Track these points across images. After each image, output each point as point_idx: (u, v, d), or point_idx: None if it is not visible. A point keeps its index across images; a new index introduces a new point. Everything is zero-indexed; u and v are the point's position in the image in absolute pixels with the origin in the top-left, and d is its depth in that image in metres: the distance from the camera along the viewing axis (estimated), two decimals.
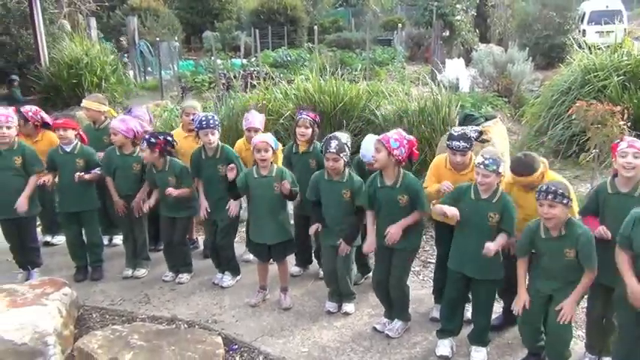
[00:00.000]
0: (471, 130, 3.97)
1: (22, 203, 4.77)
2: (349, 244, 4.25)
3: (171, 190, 4.72)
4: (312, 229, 4.39)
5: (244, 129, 5.24)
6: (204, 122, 4.67)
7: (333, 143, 4.08)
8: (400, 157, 3.83)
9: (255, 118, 5.24)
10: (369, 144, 4.39)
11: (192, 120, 5.24)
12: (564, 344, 3.51)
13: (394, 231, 3.87)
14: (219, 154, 4.77)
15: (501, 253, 3.68)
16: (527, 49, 14.26)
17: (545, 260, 3.46)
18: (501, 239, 3.58)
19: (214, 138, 4.70)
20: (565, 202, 3.28)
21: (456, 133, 3.92)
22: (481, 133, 4.08)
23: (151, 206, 4.95)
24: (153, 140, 4.68)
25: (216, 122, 4.72)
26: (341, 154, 4.10)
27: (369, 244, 4.07)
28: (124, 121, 4.84)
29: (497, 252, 3.60)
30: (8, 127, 4.76)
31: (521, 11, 20.87)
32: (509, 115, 10.69)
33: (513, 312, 3.63)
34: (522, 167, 3.65)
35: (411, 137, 3.95)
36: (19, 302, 4.03)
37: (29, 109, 5.49)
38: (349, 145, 4.22)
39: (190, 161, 4.86)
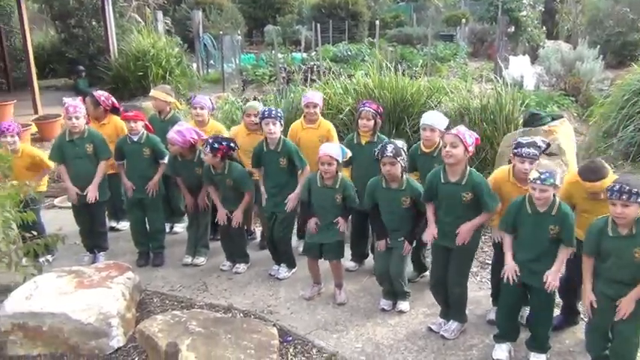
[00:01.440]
0: (539, 140, 3.89)
1: (92, 192, 5.04)
2: (411, 243, 4.23)
3: (237, 217, 4.92)
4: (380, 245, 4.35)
5: (303, 105, 5.28)
6: (266, 112, 4.77)
7: (390, 147, 4.04)
8: (472, 154, 3.83)
9: (315, 95, 5.33)
10: (432, 114, 4.63)
11: (253, 120, 5.31)
12: (631, 352, 3.37)
13: (465, 231, 3.83)
14: (281, 148, 4.82)
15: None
16: (598, 46, 13.67)
17: (612, 262, 3.29)
18: (563, 255, 3.56)
19: (275, 128, 4.74)
20: (639, 200, 3.14)
21: (524, 141, 3.82)
22: (549, 145, 3.98)
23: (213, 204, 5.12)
24: (216, 146, 4.75)
25: (279, 114, 4.79)
26: (398, 159, 4.04)
27: (429, 234, 4.01)
28: (180, 132, 4.90)
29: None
30: (77, 117, 5.02)
31: (592, 7, 19.91)
32: (576, 115, 10.29)
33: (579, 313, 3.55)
34: (591, 173, 3.53)
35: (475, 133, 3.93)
36: (85, 284, 4.20)
37: (101, 94, 5.79)
38: (405, 150, 4.19)
39: (253, 154, 4.94)
